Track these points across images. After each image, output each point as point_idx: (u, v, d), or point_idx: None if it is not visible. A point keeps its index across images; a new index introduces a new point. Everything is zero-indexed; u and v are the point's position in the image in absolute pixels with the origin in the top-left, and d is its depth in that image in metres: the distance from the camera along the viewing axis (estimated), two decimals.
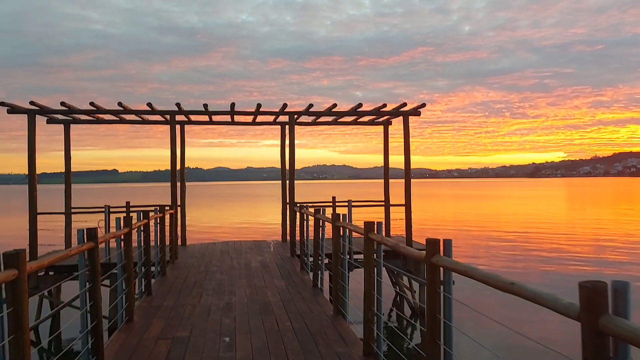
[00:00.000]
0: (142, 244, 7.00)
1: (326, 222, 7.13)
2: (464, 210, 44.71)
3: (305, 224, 8.84)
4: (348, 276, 5.93)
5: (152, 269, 8.34)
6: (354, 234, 5.73)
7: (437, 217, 35.50)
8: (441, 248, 3.08)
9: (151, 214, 7.88)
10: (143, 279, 7.04)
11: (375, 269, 4.58)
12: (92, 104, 9.45)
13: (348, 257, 6.08)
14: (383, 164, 12.79)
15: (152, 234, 8.52)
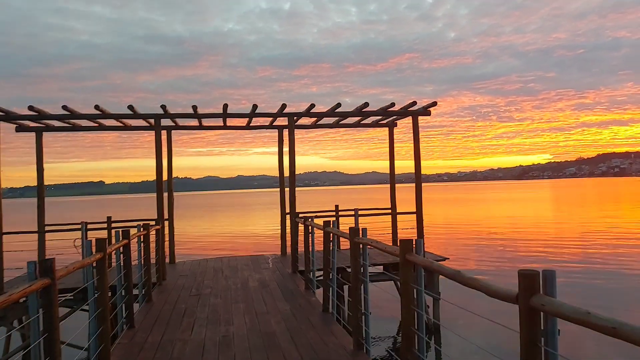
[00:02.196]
0: (123, 268, 5.93)
1: (339, 236, 6.16)
2: (470, 214, 43.76)
3: (310, 237, 7.84)
4: (368, 301, 4.95)
5: (138, 291, 7.27)
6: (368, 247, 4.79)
7: (443, 223, 34.66)
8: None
9: (133, 231, 6.82)
10: (124, 308, 5.96)
11: (416, 299, 3.63)
12: (65, 107, 8.37)
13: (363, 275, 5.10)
14: (389, 170, 11.88)
15: (136, 252, 7.47)
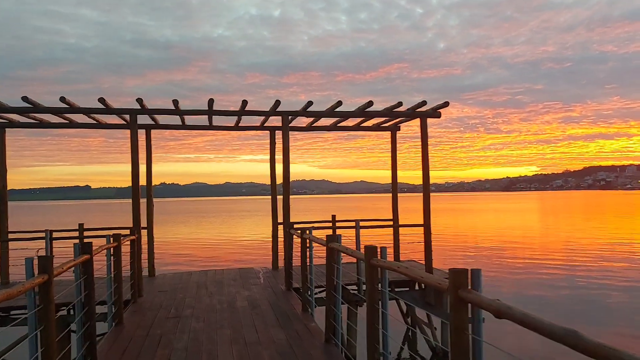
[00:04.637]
0: (83, 290, 4.86)
1: (343, 253, 5.18)
2: (470, 224, 43.09)
3: (308, 252, 6.85)
4: (388, 339, 3.97)
5: (107, 311, 6.18)
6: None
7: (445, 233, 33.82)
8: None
9: (100, 242, 5.76)
10: (82, 339, 4.89)
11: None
12: (25, 99, 7.29)
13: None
14: (391, 179, 10.96)
15: (114, 264, 6.40)
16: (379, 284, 3.86)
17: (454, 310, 2.58)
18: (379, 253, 3.92)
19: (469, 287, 2.59)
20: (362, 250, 4.01)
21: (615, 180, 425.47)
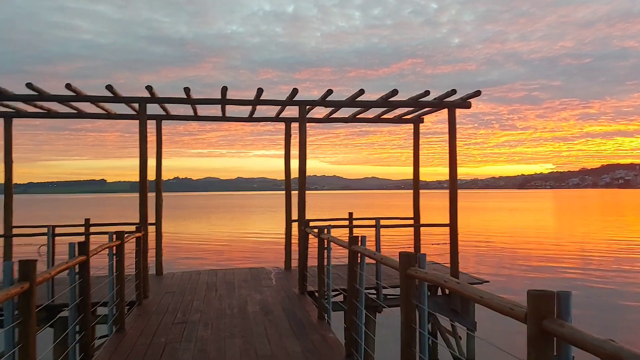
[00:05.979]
0: (77, 295, 4.35)
1: (367, 256, 4.58)
2: (490, 224, 41.89)
3: (326, 253, 6.26)
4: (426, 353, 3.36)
5: (109, 315, 5.69)
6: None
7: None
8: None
9: (103, 239, 5.26)
10: (77, 351, 4.39)
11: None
12: (30, 85, 6.81)
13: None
14: (413, 174, 10.32)
15: (119, 263, 5.90)
16: (418, 299, 3.25)
17: (535, 347, 1.97)
18: (417, 261, 3.31)
19: (555, 316, 1.98)
20: (383, 253, 3.40)
21: (634, 179, 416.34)
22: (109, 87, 7.11)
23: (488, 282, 8.29)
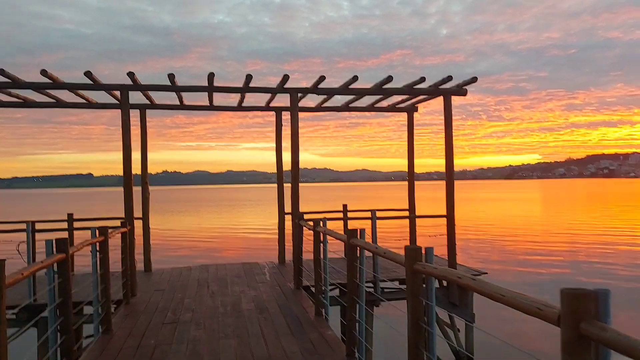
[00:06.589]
0: (57, 296, 4.04)
1: (366, 250, 4.33)
2: (485, 215, 41.95)
3: (322, 247, 6.00)
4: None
5: (94, 315, 5.38)
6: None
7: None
8: None
9: (86, 235, 4.92)
10: (59, 355, 4.08)
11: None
12: (2, 72, 6.39)
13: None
14: (408, 164, 10.09)
15: (108, 260, 5.58)
16: (425, 296, 3.01)
17: (571, 353, 1.74)
18: (424, 255, 3.06)
19: (593, 317, 1.75)
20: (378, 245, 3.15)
21: (618, 168, 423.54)
22: (88, 74, 6.71)
23: (486, 273, 8.12)
